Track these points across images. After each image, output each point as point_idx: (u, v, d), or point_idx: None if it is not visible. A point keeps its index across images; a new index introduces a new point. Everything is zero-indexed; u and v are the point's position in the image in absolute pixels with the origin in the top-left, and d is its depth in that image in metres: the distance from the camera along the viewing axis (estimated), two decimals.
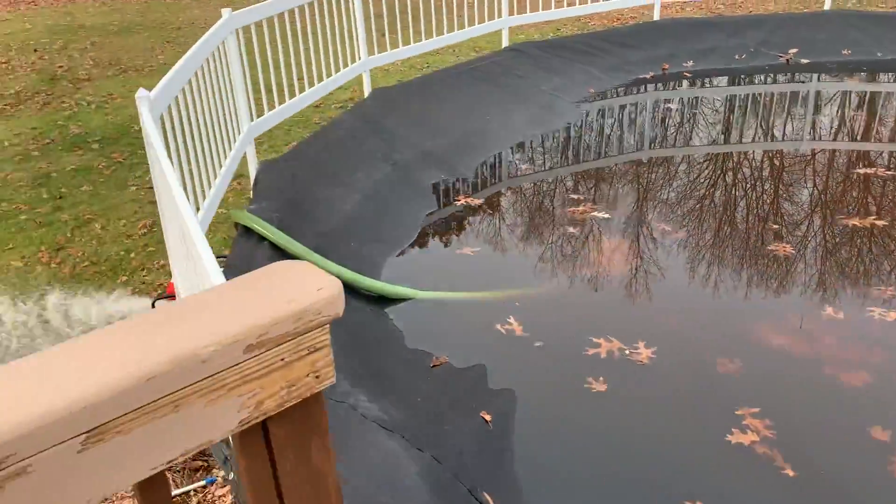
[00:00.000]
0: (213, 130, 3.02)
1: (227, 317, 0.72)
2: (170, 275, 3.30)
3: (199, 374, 0.67)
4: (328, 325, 0.73)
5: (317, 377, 0.79)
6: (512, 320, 2.69)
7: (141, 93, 2.18)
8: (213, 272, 1.26)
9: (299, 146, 3.87)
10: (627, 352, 2.54)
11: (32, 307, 3.10)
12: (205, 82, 2.95)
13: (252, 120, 3.65)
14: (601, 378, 2.41)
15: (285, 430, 0.80)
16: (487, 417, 2.20)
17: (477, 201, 3.63)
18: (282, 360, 0.73)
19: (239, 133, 3.51)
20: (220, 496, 2.17)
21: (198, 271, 1.37)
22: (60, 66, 6.59)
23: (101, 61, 6.72)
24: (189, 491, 2.15)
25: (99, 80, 6.21)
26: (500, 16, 5.27)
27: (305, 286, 0.75)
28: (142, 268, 3.45)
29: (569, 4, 5.71)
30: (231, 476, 2.10)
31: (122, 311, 2.99)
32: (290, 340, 0.72)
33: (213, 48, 3.11)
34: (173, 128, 2.56)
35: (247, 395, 0.74)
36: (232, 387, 0.72)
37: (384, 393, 2.22)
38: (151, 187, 4.41)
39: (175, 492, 2.15)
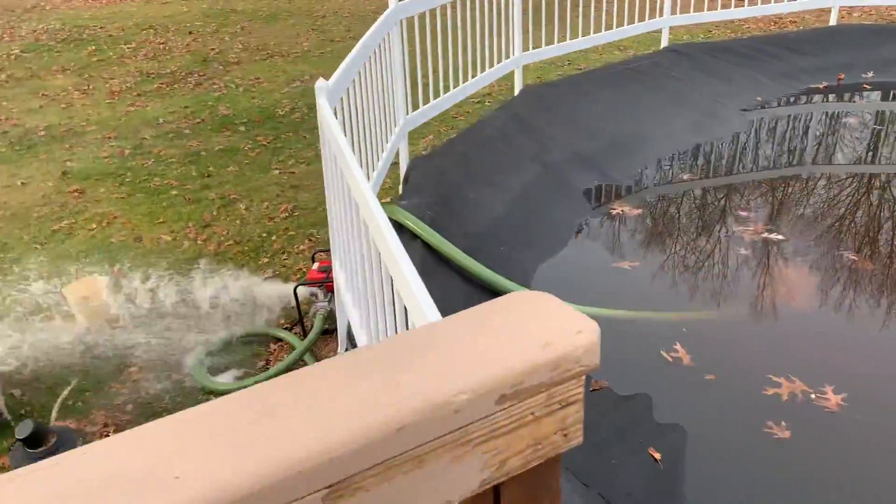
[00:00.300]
0: (374, 123, 2.93)
1: (474, 359, 0.59)
2: (309, 261, 3.26)
3: (448, 426, 0.57)
4: (584, 378, 0.60)
5: (565, 435, 0.65)
6: (678, 347, 2.43)
7: (320, 83, 2.12)
8: (408, 272, 1.11)
9: (449, 142, 3.74)
10: (813, 395, 2.23)
11: (182, 282, 3.13)
12: (369, 74, 2.87)
13: (407, 113, 3.55)
14: (783, 423, 2.12)
15: (519, 494, 0.68)
16: (657, 456, 1.96)
17: (634, 211, 3.36)
18: (532, 414, 0.62)
19: (395, 126, 3.41)
20: None
21: (392, 271, 1.23)
22: (212, 49, 6.81)
23: (249, 46, 6.90)
24: None
25: (247, 63, 6.36)
26: (660, 14, 4.95)
27: (559, 327, 0.62)
28: (282, 251, 3.42)
29: (723, 6, 5.30)
30: None
31: (268, 294, 2.96)
32: (542, 392, 0.61)
33: (380, 39, 3.02)
34: (342, 119, 2.48)
35: (491, 452, 0.61)
36: (478, 442, 0.60)
37: None
38: (294, 171, 4.44)
39: None
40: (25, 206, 3.92)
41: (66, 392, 2.47)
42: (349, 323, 2.20)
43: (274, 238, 3.55)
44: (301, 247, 3.42)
